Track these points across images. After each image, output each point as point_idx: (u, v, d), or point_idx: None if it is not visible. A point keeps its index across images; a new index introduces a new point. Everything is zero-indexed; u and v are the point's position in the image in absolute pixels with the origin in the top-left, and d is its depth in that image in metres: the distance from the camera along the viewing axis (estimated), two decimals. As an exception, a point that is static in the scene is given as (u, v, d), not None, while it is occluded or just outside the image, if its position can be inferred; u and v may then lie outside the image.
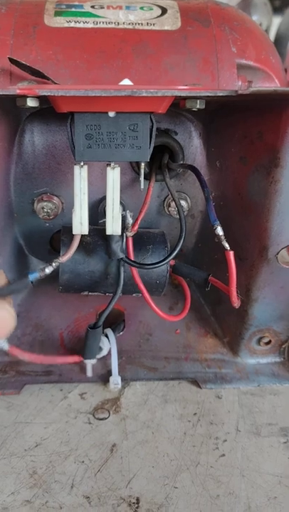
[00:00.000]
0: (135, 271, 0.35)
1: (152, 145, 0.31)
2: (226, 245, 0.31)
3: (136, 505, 0.30)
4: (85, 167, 0.31)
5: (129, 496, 0.30)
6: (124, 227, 0.34)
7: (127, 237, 0.35)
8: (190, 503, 0.30)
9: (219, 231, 0.31)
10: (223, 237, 0.31)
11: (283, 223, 0.33)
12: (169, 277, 0.38)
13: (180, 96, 0.27)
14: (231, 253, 0.31)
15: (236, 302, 0.32)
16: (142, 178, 0.33)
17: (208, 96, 0.27)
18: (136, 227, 0.35)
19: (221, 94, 0.26)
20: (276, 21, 1.01)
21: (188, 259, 0.41)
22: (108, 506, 0.30)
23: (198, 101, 0.29)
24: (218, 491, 0.31)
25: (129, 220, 0.34)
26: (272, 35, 0.96)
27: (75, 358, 0.37)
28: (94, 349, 0.37)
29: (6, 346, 0.32)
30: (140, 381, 0.39)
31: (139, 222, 0.35)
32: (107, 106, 0.29)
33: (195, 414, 0.36)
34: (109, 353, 0.39)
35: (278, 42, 0.91)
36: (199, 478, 0.32)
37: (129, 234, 0.35)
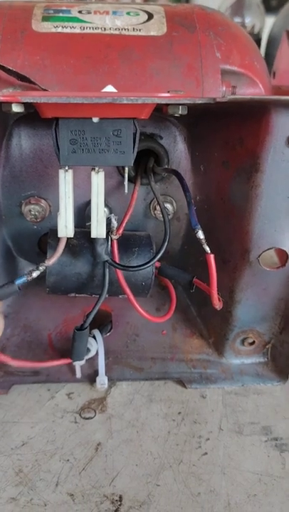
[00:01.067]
0: (120, 273, 0.36)
1: (136, 150, 0.31)
2: (207, 249, 0.31)
3: (118, 503, 0.30)
4: (70, 171, 0.32)
5: (112, 494, 0.31)
6: (109, 231, 0.35)
7: (112, 240, 0.35)
8: (171, 501, 0.31)
9: (200, 235, 0.31)
10: (204, 241, 0.31)
11: (264, 227, 0.33)
12: (156, 279, 0.39)
13: (161, 103, 0.28)
14: (212, 256, 0.31)
15: (218, 304, 0.33)
16: (126, 182, 0.34)
17: (187, 103, 0.28)
18: (121, 231, 0.35)
19: (199, 102, 0.27)
20: (271, 21, 1.01)
21: (174, 261, 0.42)
22: (91, 504, 0.30)
23: (180, 107, 0.30)
24: (200, 488, 0.31)
25: (114, 224, 0.35)
26: (265, 37, 0.96)
27: (64, 361, 0.38)
28: (82, 350, 0.38)
29: None
30: (126, 381, 0.39)
31: (124, 225, 0.36)
32: (91, 112, 0.30)
33: (179, 413, 0.37)
34: (97, 353, 0.39)
35: (271, 43, 0.92)
36: (181, 475, 0.32)
37: (114, 237, 0.35)
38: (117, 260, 0.35)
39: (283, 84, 0.51)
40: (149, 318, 0.37)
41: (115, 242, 0.35)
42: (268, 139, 0.30)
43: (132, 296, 0.36)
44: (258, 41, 0.93)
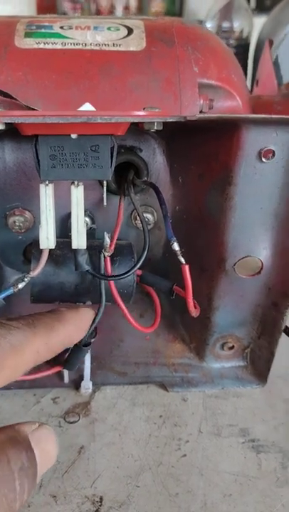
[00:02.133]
0: (111, 283, 0.37)
1: (114, 164, 0.32)
2: (182, 260, 0.32)
3: (99, 504, 0.32)
4: (51, 185, 0.33)
5: (93, 495, 0.32)
6: (97, 244, 0.36)
7: (105, 257, 0.36)
8: (150, 501, 0.32)
9: (175, 247, 0.33)
10: (179, 252, 0.33)
11: (239, 237, 0.35)
12: (139, 286, 0.40)
13: (134, 121, 0.29)
14: (186, 267, 0.33)
15: (194, 312, 0.34)
16: (104, 195, 0.35)
17: (159, 121, 0.29)
18: (112, 247, 0.36)
19: (170, 120, 0.28)
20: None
21: (156, 269, 0.43)
22: (73, 504, 0.32)
23: (155, 123, 0.31)
24: (178, 489, 0.33)
25: (107, 241, 0.36)
26: (253, 40, 0.97)
27: (56, 369, 0.39)
28: (78, 362, 0.39)
29: None
30: (110, 385, 0.41)
31: (115, 241, 0.37)
32: (69, 129, 0.31)
33: (161, 416, 0.38)
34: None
35: (259, 48, 0.93)
36: (160, 477, 0.34)
37: (107, 254, 0.36)
38: (110, 274, 0.36)
39: (264, 94, 0.52)
40: (139, 328, 0.38)
41: (108, 258, 0.36)
42: (239, 154, 0.32)
43: (123, 306, 0.37)
44: (247, 46, 0.94)
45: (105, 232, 0.36)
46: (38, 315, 0.31)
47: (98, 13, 2.38)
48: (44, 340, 0.28)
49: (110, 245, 0.36)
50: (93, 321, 0.36)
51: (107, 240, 0.35)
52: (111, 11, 2.40)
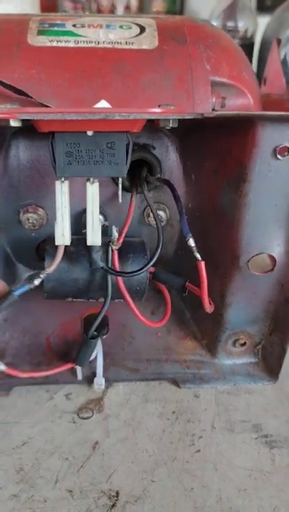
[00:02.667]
0: (120, 279, 0.37)
1: (129, 161, 0.33)
2: (198, 256, 0.33)
3: (115, 498, 0.32)
4: (66, 182, 0.34)
5: (109, 490, 0.32)
6: (110, 241, 0.36)
7: (112, 250, 0.37)
8: (166, 496, 0.32)
9: (191, 243, 0.33)
10: (194, 248, 0.33)
11: (252, 234, 0.35)
12: (151, 283, 0.40)
13: (151, 118, 0.30)
14: (202, 263, 0.33)
15: (208, 308, 0.34)
16: (120, 192, 0.35)
17: (176, 118, 0.29)
18: (121, 241, 0.37)
19: (188, 117, 0.29)
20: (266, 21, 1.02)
21: (169, 266, 0.43)
22: (89, 499, 0.32)
23: (170, 120, 0.31)
24: (193, 484, 0.33)
25: (115, 235, 0.36)
26: (257, 40, 0.97)
27: (68, 366, 0.39)
28: (88, 356, 0.39)
29: (2, 367, 0.34)
30: (123, 382, 0.41)
31: (124, 235, 0.37)
32: (85, 126, 0.31)
33: (174, 412, 0.39)
34: (96, 355, 0.41)
35: (264, 47, 0.93)
36: (175, 472, 0.34)
37: (115, 247, 0.36)
38: (116, 268, 0.37)
39: (273, 92, 0.52)
40: (147, 323, 0.38)
41: (116, 251, 0.37)
42: (254, 151, 0.32)
43: (131, 302, 0.37)
44: (251, 45, 0.94)
45: (113, 226, 0.36)
46: None
47: (99, 12, 2.38)
48: None
49: (118, 239, 0.36)
50: (99, 314, 0.37)
51: (115, 233, 0.36)
52: (112, 10, 2.40)
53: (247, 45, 0.93)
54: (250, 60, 0.93)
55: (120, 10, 2.44)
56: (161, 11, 2.46)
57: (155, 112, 0.29)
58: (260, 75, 0.64)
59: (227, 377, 0.41)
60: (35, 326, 0.43)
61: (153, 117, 0.29)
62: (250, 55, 0.93)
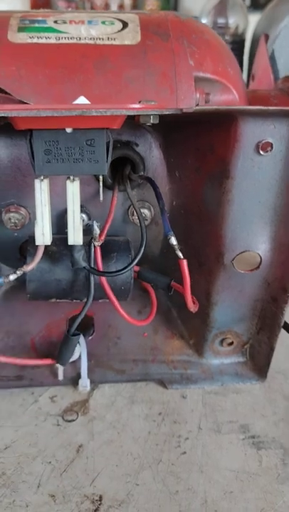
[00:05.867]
0: (104, 279, 0.36)
1: (109, 159, 0.32)
2: (180, 254, 0.32)
3: (98, 502, 0.31)
4: (46, 180, 0.33)
5: (92, 494, 0.32)
6: (91, 237, 0.35)
7: (94, 247, 0.36)
8: (150, 499, 0.32)
9: (173, 241, 0.32)
10: (176, 247, 0.32)
11: (236, 231, 0.34)
12: (137, 282, 0.40)
13: (129, 114, 0.29)
14: (184, 262, 0.32)
15: (192, 307, 0.34)
16: (101, 190, 0.35)
17: (155, 113, 0.28)
18: (103, 237, 0.36)
19: (167, 113, 0.28)
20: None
21: (155, 265, 0.43)
22: (72, 504, 0.31)
23: (151, 117, 0.31)
24: (178, 487, 0.32)
25: (96, 230, 0.35)
26: (248, 36, 0.97)
27: (48, 361, 0.39)
28: (69, 354, 0.39)
29: None
30: (109, 383, 0.40)
31: (106, 231, 0.36)
32: (64, 123, 0.31)
33: (160, 413, 0.38)
34: (80, 356, 0.40)
35: (255, 43, 0.92)
36: (160, 475, 0.33)
37: (97, 243, 0.36)
38: (100, 266, 0.36)
39: (260, 89, 0.51)
40: (132, 322, 0.38)
41: (98, 248, 0.36)
42: (236, 147, 0.31)
43: (115, 301, 0.37)
44: (242, 42, 0.94)
45: (94, 221, 0.35)
46: None
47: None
48: None
49: (100, 235, 0.36)
50: (80, 312, 0.36)
51: (96, 228, 0.35)
52: (105, 9, 2.39)
53: (238, 42, 0.92)
54: (241, 57, 0.93)
55: (114, 9, 2.43)
56: (154, 10, 2.45)
57: (132, 107, 0.28)
58: (250, 72, 0.63)
59: (214, 377, 0.41)
60: (20, 327, 0.42)
61: (130, 113, 0.28)
62: (241, 52, 0.92)
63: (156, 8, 2.49)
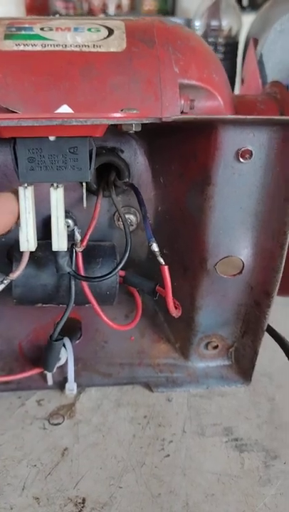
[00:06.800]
0: (85, 284, 0.37)
1: (93, 166, 0.32)
2: (161, 260, 0.33)
3: (82, 505, 0.32)
4: (30, 188, 0.33)
5: (76, 497, 0.32)
6: (73, 243, 0.36)
7: (76, 253, 0.36)
8: (132, 502, 0.32)
9: (154, 247, 0.33)
10: (158, 253, 0.33)
11: (219, 236, 0.35)
12: (124, 287, 0.40)
13: (109, 123, 0.29)
14: (166, 268, 0.33)
15: (174, 312, 0.34)
16: (84, 197, 0.35)
17: (135, 123, 0.29)
18: (85, 243, 0.37)
19: (146, 122, 0.28)
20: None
21: (142, 269, 0.43)
22: (56, 506, 0.32)
23: (133, 125, 0.31)
24: (160, 489, 0.33)
25: (78, 237, 0.36)
26: (242, 39, 0.97)
27: (36, 371, 0.39)
28: (54, 360, 0.39)
29: None
30: (95, 387, 0.41)
31: (88, 237, 0.37)
32: (46, 132, 0.31)
33: (145, 416, 0.38)
34: (67, 360, 0.41)
35: (248, 46, 0.93)
36: (143, 477, 0.34)
37: (79, 249, 0.36)
38: (81, 271, 0.37)
39: (250, 93, 0.52)
40: (114, 327, 0.38)
41: (80, 254, 0.37)
42: (217, 154, 0.32)
43: (97, 306, 0.37)
44: (236, 44, 0.94)
45: (75, 227, 0.36)
46: None
47: (90, 11, 2.37)
48: None
49: (82, 241, 0.36)
50: (61, 319, 0.36)
51: (77, 235, 0.35)
52: (103, 9, 2.39)
53: (231, 44, 0.93)
54: (235, 60, 0.93)
55: (112, 9, 2.43)
56: (152, 10, 2.45)
57: (112, 116, 0.29)
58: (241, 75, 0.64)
59: (200, 380, 0.41)
60: (8, 331, 0.42)
61: (110, 122, 0.29)
62: (234, 55, 0.92)
63: (154, 9, 2.49)
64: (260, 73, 0.53)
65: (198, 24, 0.94)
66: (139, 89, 0.38)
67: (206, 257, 0.36)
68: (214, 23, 0.94)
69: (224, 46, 0.94)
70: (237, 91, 0.77)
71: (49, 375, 0.40)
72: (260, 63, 0.56)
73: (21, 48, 0.39)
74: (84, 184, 0.35)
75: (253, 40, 0.59)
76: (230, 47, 0.93)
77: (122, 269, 0.37)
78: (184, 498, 0.32)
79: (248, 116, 0.28)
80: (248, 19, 1.00)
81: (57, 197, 0.33)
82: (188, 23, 1.01)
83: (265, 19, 0.88)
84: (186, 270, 0.38)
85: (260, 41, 0.61)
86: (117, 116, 0.29)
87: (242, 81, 0.59)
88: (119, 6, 2.41)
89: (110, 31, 0.41)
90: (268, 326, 0.38)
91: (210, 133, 0.31)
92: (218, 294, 0.38)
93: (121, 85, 0.38)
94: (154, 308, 0.45)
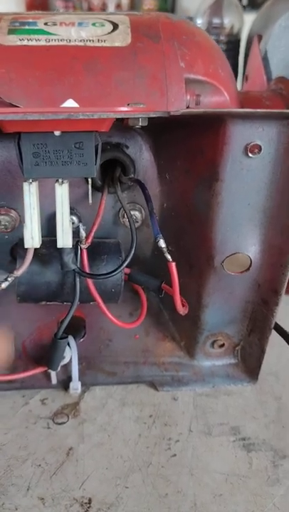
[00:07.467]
0: (90, 281, 0.36)
1: (98, 161, 0.32)
2: (168, 257, 0.32)
3: (88, 505, 0.31)
4: (34, 183, 0.33)
5: (81, 497, 0.32)
6: (78, 240, 0.35)
7: (81, 250, 0.36)
8: (139, 502, 0.32)
9: (161, 243, 0.32)
10: (165, 249, 0.32)
11: (227, 233, 0.34)
12: (128, 284, 0.40)
13: (116, 117, 0.29)
14: (173, 264, 0.32)
15: (181, 310, 0.34)
16: (89, 193, 0.34)
17: (142, 116, 0.28)
18: (90, 240, 0.36)
19: (154, 116, 0.28)
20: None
21: (146, 267, 0.43)
22: (61, 507, 0.31)
23: (139, 119, 0.31)
24: (167, 489, 0.32)
25: (83, 234, 0.35)
26: (244, 36, 0.97)
27: (40, 369, 0.39)
28: (58, 358, 0.38)
29: None
30: (100, 386, 0.40)
31: (92, 234, 0.36)
32: (51, 126, 0.31)
33: (151, 416, 0.38)
34: (71, 359, 0.40)
35: (250, 44, 0.92)
36: (150, 477, 0.33)
37: (84, 246, 0.36)
38: (86, 269, 0.36)
39: (254, 90, 0.51)
40: (120, 325, 0.38)
41: (85, 251, 0.36)
42: (225, 149, 0.31)
43: (102, 304, 0.37)
44: (237, 42, 0.94)
45: (80, 224, 0.35)
46: None
47: (90, 11, 2.37)
48: None
49: (87, 238, 0.36)
50: (66, 317, 0.36)
51: (82, 232, 0.35)
52: (103, 8, 2.39)
53: (233, 42, 0.92)
54: (237, 57, 0.93)
55: (111, 8, 2.43)
56: (152, 9, 2.45)
57: (119, 110, 0.28)
58: (245, 72, 0.63)
59: (206, 379, 0.41)
60: (12, 330, 0.42)
61: (117, 116, 0.28)
62: (236, 52, 0.92)
63: (154, 8, 2.49)
64: (265, 69, 0.52)
65: (199, 22, 0.94)
66: (144, 84, 0.38)
67: (213, 254, 0.35)
68: (216, 20, 0.93)
69: (226, 44, 0.93)
70: (239, 88, 0.76)
71: (53, 374, 0.39)
72: (265, 59, 0.55)
73: (25, 42, 0.38)
74: (90, 180, 0.34)
75: (257, 36, 0.58)
76: (232, 44, 0.93)
77: (127, 266, 0.36)
78: (191, 498, 0.32)
79: (259, 110, 0.28)
80: (248, 18, 0.99)
81: (62, 193, 0.33)
82: (188, 19, 1.00)
83: (268, 16, 0.88)
84: (192, 268, 0.37)
85: (263, 38, 0.61)
86: (124, 110, 0.29)
87: (245, 78, 0.58)
88: (118, 5, 2.41)
89: (115, 26, 0.40)
90: (276, 323, 0.37)
91: (218, 127, 0.31)
92: (225, 291, 0.37)
93: (126, 80, 0.38)
94: (159, 306, 0.44)
